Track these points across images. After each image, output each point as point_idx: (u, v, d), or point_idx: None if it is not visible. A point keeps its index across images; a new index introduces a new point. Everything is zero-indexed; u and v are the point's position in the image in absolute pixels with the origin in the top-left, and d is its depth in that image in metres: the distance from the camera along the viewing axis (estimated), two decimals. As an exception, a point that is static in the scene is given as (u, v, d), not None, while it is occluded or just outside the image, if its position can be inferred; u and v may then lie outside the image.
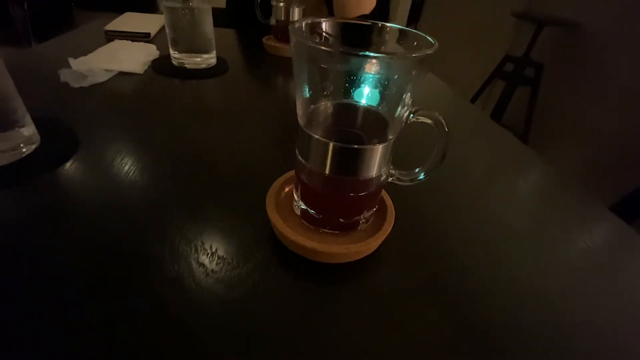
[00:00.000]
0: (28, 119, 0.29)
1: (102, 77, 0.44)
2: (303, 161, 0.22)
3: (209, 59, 0.53)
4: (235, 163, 0.34)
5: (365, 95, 0.20)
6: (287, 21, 0.63)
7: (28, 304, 0.19)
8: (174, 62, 0.53)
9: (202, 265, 0.22)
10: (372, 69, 0.18)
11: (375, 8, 0.75)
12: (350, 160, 0.21)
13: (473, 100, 2.06)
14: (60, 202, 0.26)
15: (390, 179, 0.24)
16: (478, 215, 0.30)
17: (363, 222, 0.25)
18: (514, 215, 0.31)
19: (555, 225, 0.31)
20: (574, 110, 1.65)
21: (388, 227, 0.24)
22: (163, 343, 0.17)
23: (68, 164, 0.30)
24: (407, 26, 0.21)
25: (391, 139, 0.21)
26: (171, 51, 0.52)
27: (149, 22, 0.68)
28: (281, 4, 0.62)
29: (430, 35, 0.19)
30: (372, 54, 0.17)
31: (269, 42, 0.66)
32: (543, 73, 1.76)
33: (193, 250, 0.23)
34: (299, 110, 0.22)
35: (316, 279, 0.22)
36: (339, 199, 0.23)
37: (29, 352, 0.17)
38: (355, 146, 0.20)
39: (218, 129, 0.40)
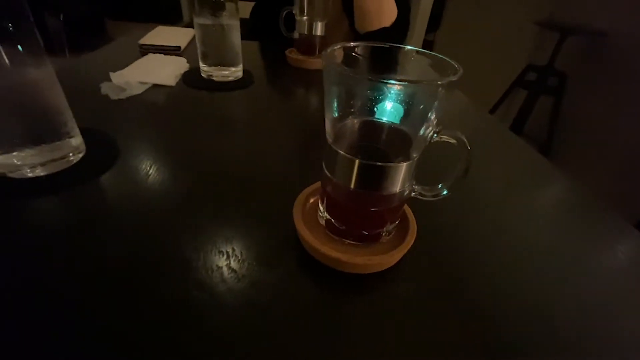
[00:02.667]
0: (76, 129, 0.32)
1: (138, 90, 0.48)
2: (329, 175, 0.24)
3: (236, 72, 0.56)
4: (262, 173, 0.35)
5: (391, 116, 0.21)
6: (310, 35, 0.65)
7: (71, 301, 0.21)
8: (203, 75, 0.55)
9: (233, 270, 0.23)
10: (398, 93, 0.20)
11: (395, 20, 0.76)
12: (374, 177, 0.22)
13: (493, 109, 2.03)
14: (102, 207, 0.28)
15: (412, 194, 0.25)
16: (498, 229, 0.31)
17: (385, 234, 0.26)
18: (534, 230, 0.31)
19: (576, 241, 0.31)
20: (599, 121, 1.60)
21: (410, 241, 0.25)
22: (193, 344, 0.19)
23: (110, 172, 0.32)
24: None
25: (415, 157, 0.22)
26: (201, 64, 0.55)
27: (179, 36, 0.72)
28: (304, 18, 0.64)
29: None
30: (398, 82, 0.18)
31: (292, 54, 0.68)
32: (567, 83, 1.72)
33: (224, 256, 0.25)
34: (328, 128, 0.23)
35: (338, 287, 0.23)
36: (362, 212, 0.24)
37: (68, 344, 0.18)
38: (380, 164, 0.21)
39: (245, 139, 0.42)
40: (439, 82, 0.18)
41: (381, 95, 0.20)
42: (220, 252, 0.25)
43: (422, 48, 0.22)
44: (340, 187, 0.23)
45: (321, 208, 0.26)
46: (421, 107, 0.20)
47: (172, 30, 0.76)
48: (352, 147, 0.23)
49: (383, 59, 0.23)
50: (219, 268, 0.23)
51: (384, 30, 0.75)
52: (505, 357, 0.20)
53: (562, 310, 0.24)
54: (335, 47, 0.21)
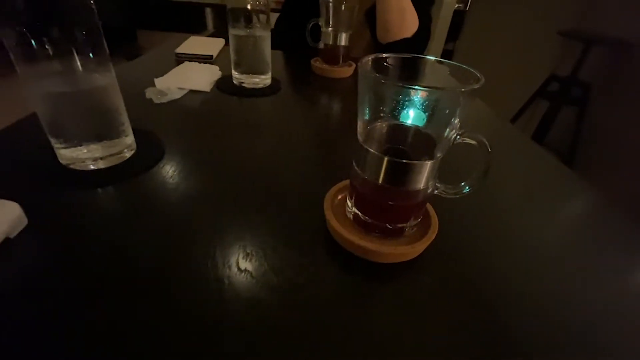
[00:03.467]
0: (130, 129, 0.36)
1: (177, 95, 0.52)
2: (359, 171, 0.26)
3: (265, 79, 0.59)
4: (290, 172, 0.38)
5: (418, 119, 0.24)
6: (335, 45, 0.68)
7: (114, 282, 0.24)
8: (235, 82, 0.59)
9: (264, 262, 0.26)
10: (424, 98, 0.22)
11: (417, 31, 0.78)
12: (401, 173, 0.25)
13: (514, 119, 2.00)
14: (149, 199, 0.32)
15: (435, 192, 0.27)
16: (517, 232, 0.32)
17: (409, 229, 0.28)
18: (552, 236, 0.33)
19: (597, 250, 0.32)
20: (624, 133, 1.56)
21: (432, 235, 0.27)
22: (221, 335, 0.22)
23: (156, 168, 0.36)
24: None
25: (439, 156, 0.24)
26: (233, 72, 0.59)
27: (210, 46, 0.77)
28: (330, 30, 0.67)
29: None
30: (425, 89, 0.21)
31: (317, 63, 0.72)
32: (591, 94, 1.69)
33: (258, 248, 0.27)
34: (359, 129, 0.26)
35: (365, 275, 0.25)
36: (389, 206, 0.27)
37: (101, 331, 0.21)
38: (407, 161, 0.24)
39: (273, 141, 0.45)
40: (462, 90, 0.20)
41: (409, 100, 0.22)
42: (253, 243, 0.28)
43: (442, 57, 0.25)
44: (369, 182, 0.26)
45: (349, 203, 0.29)
46: (446, 112, 0.22)
47: (204, 40, 0.81)
48: (380, 146, 0.25)
49: (410, 68, 0.26)
50: (252, 259, 0.26)
51: (405, 40, 0.77)
52: (510, 355, 0.21)
53: (577, 315, 0.25)
54: (369, 58, 0.24)
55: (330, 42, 0.68)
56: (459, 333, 0.22)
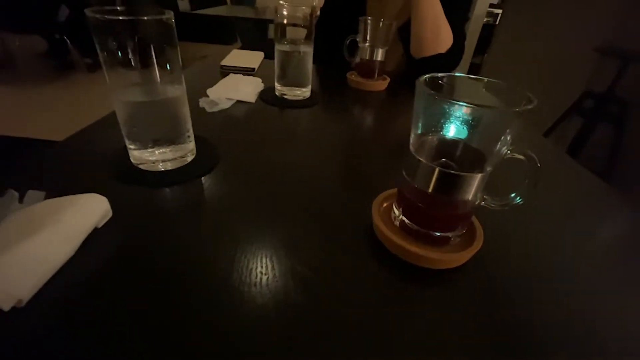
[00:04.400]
0: (192, 135, 0.39)
1: (226, 105, 0.56)
2: (409, 180, 0.28)
3: (305, 92, 0.63)
4: (330, 181, 0.41)
5: (469, 134, 0.26)
6: (371, 60, 0.71)
7: (171, 270, 0.27)
8: (277, 93, 0.63)
9: (313, 264, 0.28)
10: (477, 116, 0.24)
11: (451, 46, 0.80)
12: (451, 184, 0.26)
13: (546, 135, 1.95)
14: (205, 200, 0.35)
15: (482, 203, 0.28)
16: (557, 247, 0.33)
17: (454, 238, 0.29)
18: (590, 251, 0.33)
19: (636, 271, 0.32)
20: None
21: (478, 244, 0.28)
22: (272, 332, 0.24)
23: (212, 173, 0.39)
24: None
25: (489, 170, 0.26)
26: (276, 84, 0.62)
27: (252, 58, 0.82)
28: (367, 45, 0.70)
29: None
30: (480, 107, 0.22)
31: (352, 77, 0.75)
32: (629, 111, 1.63)
33: (304, 251, 0.30)
34: (412, 140, 0.28)
35: (410, 278, 0.27)
36: (437, 215, 0.28)
37: (145, 327, 0.24)
38: (458, 173, 0.26)
39: (313, 151, 0.48)
40: (517, 110, 0.22)
41: (462, 117, 0.24)
42: (300, 248, 0.30)
43: (469, 71, 0.27)
44: (419, 191, 0.28)
45: (396, 211, 0.31)
46: (497, 129, 0.24)
47: (246, 53, 0.86)
48: (431, 157, 0.27)
49: (463, 87, 0.28)
50: (302, 260, 0.28)
51: (439, 56, 0.79)
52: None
53: (612, 333, 0.25)
54: (425, 77, 0.26)
55: (367, 57, 0.71)
56: (497, 336, 0.23)
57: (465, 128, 0.25)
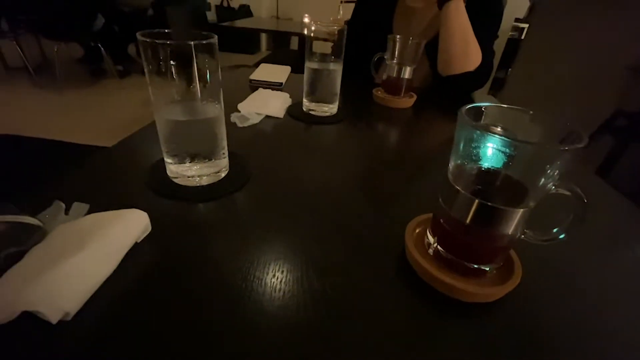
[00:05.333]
0: (227, 152, 0.40)
1: (256, 120, 0.57)
2: (446, 209, 0.28)
3: (332, 108, 0.63)
4: (357, 199, 0.41)
5: (511, 167, 0.25)
6: (398, 77, 0.71)
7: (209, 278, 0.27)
8: (304, 109, 0.64)
9: (340, 285, 0.28)
10: (522, 151, 0.23)
11: (479, 64, 0.79)
12: (491, 217, 0.26)
13: (572, 154, 1.88)
14: (238, 215, 0.36)
15: (522, 237, 0.27)
16: (601, 284, 0.32)
17: (490, 271, 0.29)
18: (636, 291, 0.31)
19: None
20: None
21: (516, 280, 0.27)
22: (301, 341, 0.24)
23: (245, 188, 0.40)
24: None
25: (532, 205, 0.25)
26: (304, 100, 0.63)
27: (279, 73, 0.83)
28: (394, 62, 0.70)
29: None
30: (527, 143, 0.22)
31: (378, 93, 0.75)
32: (666, 132, 1.55)
33: (334, 272, 0.29)
34: (451, 168, 0.27)
35: (438, 308, 0.27)
36: (474, 247, 0.28)
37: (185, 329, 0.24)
38: (499, 206, 0.25)
39: (340, 168, 0.48)
40: (566, 148, 0.22)
41: (506, 150, 0.24)
42: (326, 267, 0.30)
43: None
44: (456, 221, 0.27)
45: (431, 239, 0.30)
46: (543, 165, 0.24)
47: (273, 67, 0.88)
48: (470, 187, 0.27)
49: (507, 118, 0.27)
50: (331, 281, 0.28)
51: (467, 74, 0.78)
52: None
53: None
54: (467, 106, 0.26)
55: (394, 75, 0.71)
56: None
57: (507, 161, 0.25)
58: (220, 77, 0.36)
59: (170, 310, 0.25)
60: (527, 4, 3.43)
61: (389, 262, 0.31)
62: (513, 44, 2.73)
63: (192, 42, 0.31)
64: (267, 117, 0.60)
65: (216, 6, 4.02)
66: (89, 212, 0.32)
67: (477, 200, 0.26)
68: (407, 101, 0.73)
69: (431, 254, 0.30)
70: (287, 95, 0.69)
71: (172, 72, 0.33)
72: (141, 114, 2.46)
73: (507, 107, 0.27)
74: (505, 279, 0.28)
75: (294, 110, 0.64)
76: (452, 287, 0.27)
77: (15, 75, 2.99)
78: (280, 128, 0.58)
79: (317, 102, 0.62)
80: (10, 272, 0.24)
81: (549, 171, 0.23)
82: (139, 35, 0.31)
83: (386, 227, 0.36)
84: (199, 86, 0.34)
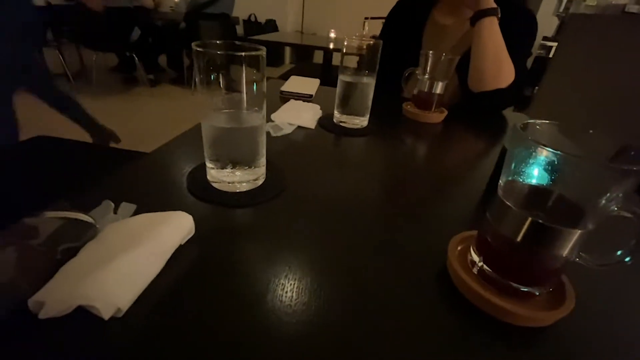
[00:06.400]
0: (265, 160, 0.41)
1: (289, 130, 0.58)
2: (495, 226, 0.27)
3: (363, 120, 0.64)
4: (394, 214, 0.40)
5: (567, 186, 0.24)
6: (430, 92, 0.71)
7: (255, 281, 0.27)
8: (335, 121, 0.65)
9: (379, 297, 0.28)
10: (581, 170, 0.23)
11: (512, 82, 0.78)
12: (545, 237, 0.25)
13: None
14: (274, 222, 0.36)
15: (577, 259, 0.26)
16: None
17: (539, 294, 0.27)
18: None
19: None
20: None
21: (570, 305, 0.26)
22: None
23: (281, 196, 0.40)
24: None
25: (590, 227, 0.24)
26: (335, 112, 0.64)
27: (309, 85, 0.85)
28: (426, 78, 0.70)
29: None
30: (591, 162, 0.21)
31: (408, 107, 0.75)
32: None
33: (372, 285, 0.29)
34: (501, 183, 0.27)
35: (479, 329, 0.26)
36: (523, 267, 0.27)
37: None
38: (556, 226, 0.24)
39: (373, 181, 0.48)
40: (634, 169, 0.21)
41: (563, 169, 0.23)
42: (364, 283, 0.29)
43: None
44: (505, 239, 0.26)
45: (476, 257, 0.29)
46: (603, 185, 0.23)
47: (303, 79, 0.90)
48: (520, 204, 0.26)
49: (561, 136, 0.26)
50: (371, 295, 0.28)
51: (499, 91, 0.77)
52: None
53: None
54: (521, 123, 0.25)
55: (426, 90, 0.71)
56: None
57: (563, 179, 0.24)
58: (264, 88, 0.37)
59: (205, 311, 0.25)
60: (556, 22, 3.39)
61: (428, 279, 0.30)
62: (541, 62, 2.69)
63: (242, 54, 0.32)
64: (299, 127, 0.61)
65: (244, 20, 4.18)
66: (136, 212, 0.33)
67: (530, 219, 0.25)
68: (437, 116, 0.72)
69: (475, 272, 0.29)
70: (318, 106, 0.70)
71: (221, 81, 0.34)
72: (169, 122, 2.55)
73: (562, 125, 0.26)
74: (556, 304, 0.26)
75: (325, 122, 0.65)
76: (500, 308, 0.26)
77: (56, 80, 3.18)
78: (312, 139, 0.59)
79: (349, 114, 0.63)
80: (67, 266, 0.25)
81: (611, 192, 0.22)
82: (194, 45, 0.32)
83: (423, 241, 0.35)
84: (245, 96, 0.35)
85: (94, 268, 0.24)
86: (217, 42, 0.34)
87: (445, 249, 0.31)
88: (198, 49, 0.32)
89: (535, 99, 2.63)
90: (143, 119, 2.60)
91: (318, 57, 3.62)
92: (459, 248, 0.32)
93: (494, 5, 0.74)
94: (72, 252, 0.26)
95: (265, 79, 0.36)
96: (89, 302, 0.22)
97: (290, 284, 0.28)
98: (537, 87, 2.69)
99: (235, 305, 0.26)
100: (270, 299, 0.26)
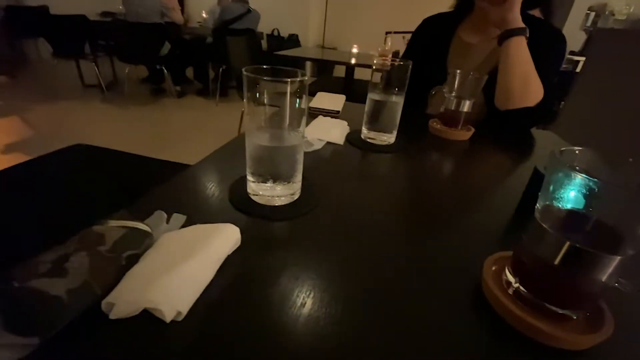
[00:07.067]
0: (301, 175, 0.43)
1: (319, 145, 0.60)
2: (532, 248, 0.28)
3: (390, 137, 0.65)
4: (421, 230, 0.41)
5: (607, 211, 0.25)
6: (457, 110, 0.72)
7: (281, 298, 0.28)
8: (362, 137, 0.67)
9: (412, 314, 0.29)
10: (623, 199, 0.23)
11: (541, 100, 0.77)
12: (583, 262, 0.25)
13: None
14: (310, 236, 0.38)
15: (616, 285, 0.27)
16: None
17: (576, 317, 0.28)
18: None
19: None
20: None
21: (609, 330, 0.26)
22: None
23: (314, 210, 0.42)
24: None
25: (630, 253, 0.24)
26: (363, 129, 0.66)
27: (336, 101, 0.88)
28: (453, 96, 0.72)
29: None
30: (631, 191, 0.22)
31: (434, 124, 0.76)
32: None
33: (404, 302, 0.30)
34: (539, 206, 0.28)
35: (517, 351, 0.26)
36: (561, 290, 0.27)
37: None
38: (594, 251, 0.25)
39: (402, 198, 0.49)
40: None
41: (603, 195, 0.24)
42: (395, 302, 0.30)
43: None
44: (542, 262, 0.27)
45: (511, 278, 0.30)
46: (645, 211, 0.23)
47: (329, 96, 0.93)
48: (558, 227, 0.27)
49: (600, 163, 0.27)
50: (403, 315, 0.29)
51: (527, 109, 0.77)
52: None
53: None
54: (562, 149, 0.26)
55: (452, 108, 0.72)
56: None
57: (601, 206, 0.25)
58: (306, 110, 0.39)
59: (246, 317, 0.27)
60: (584, 36, 3.32)
61: (460, 296, 0.31)
62: (567, 77, 2.63)
63: (288, 80, 0.35)
64: (328, 143, 0.63)
65: (267, 35, 4.32)
66: (186, 222, 0.35)
67: (568, 243, 0.25)
68: (464, 134, 0.73)
69: (511, 293, 0.30)
70: (345, 123, 0.72)
71: (266, 103, 0.36)
72: (194, 131, 2.65)
73: (601, 152, 0.27)
74: (594, 328, 0.27)
75: (353, 138, 0.67)
76: (537, 328, 0.26)
77: (90, 91, 3.38)
78: (341, 154, 0.61)
79: (377, 131, 0.65)
80: (132, 271, 0.27)
81: (652, 220, 0.23)
82: (244, 71, 0.35)
83: (452, 259, 0.36)
84: (287, 117, 0.37)
85: (157, 274, 0.26)
86: (264, 67, 0.37)
87: (476, 268, 0.32)
88: (247, 74, 0.35)
89: (561, 114, 2.57)
90: (169, 127, 2.72)
91: (338, 70, 3.69)
92: (493, 268, 0.33)
93: (522, 25, 0.75)
94: (135, 259, 0.29)
95: (306, 102, 0.39)
96: (155, 305, 0.24)
97: (321, 296, 0.29)
98: (563, 102, 2.63)
99: (274, 313, 0.27)
100: (304, 309, 0.28)
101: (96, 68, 3.20)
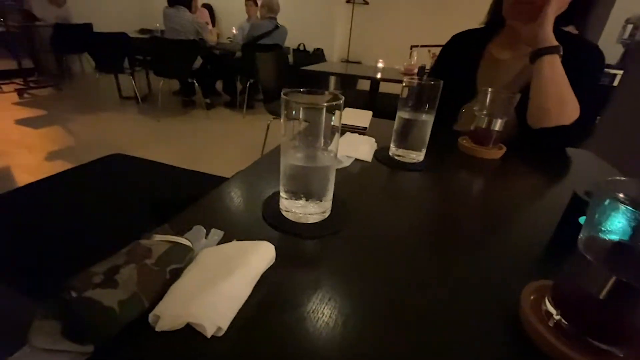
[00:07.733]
0: (332, 194, 0.44)
1: (347, 162, 0.61)
2: (575, 281, 0.27)
3: (419, 155, 0.65)
4: (451, 252, 0.40)
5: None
6: (488, 129, 0.71)
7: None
8: (390, 154, 0.67)
9: (448, 342, 0.28)
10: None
11: (577, 119, 0.74)
12: (630, 298, 0.24)
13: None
14: (341, 255, 0.38)
15: (669, 323, 0.25)
16: None
17: (623, 355, 0.26)
18: None
19: None
20: None
21: (662, 370, 0.25)
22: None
23: (344, 229, 0.43)
24: None
25: (686, 291, 0.23)
26: (392, 146, 0.66)
27: (363, 117, 0.89)
28: (484, 114, 0.71)
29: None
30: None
31: (464, 142, 0.75)
32: None
33: (436, 330, 0.30)
34: (582, 237, 0.27)
35: None
36: (606, 326, 0.26)
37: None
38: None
39: (433, 217, 0.49)
40: None
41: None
42: (426, 327, 0.30)
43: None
44: (587, 295, 0.26)
45: (552, 310, 0.29)
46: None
47: (356, 112, 0.94)
48: (602, 260, 0.26)
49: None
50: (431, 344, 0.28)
51: (562, 128, 0.74)
52: None
53: None
54: (605, 180, 0.26)
55: (484, 126, 0.71)
56: None
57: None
58: (339, 132, 0.40)
59: (278, 334, 0.27)
60: (620, 49, 3.17)
61: (498, 325, 0.30)
62: (603, 91, 2.51)
63: (324, 104, 0.36)
64: (356, 160, 0.64)
65: (293, 50, 4.44)
66: (224, 237, 0.37)
67: (615, 277, 0.25)
68: (496, 152, 0.72)
69: (551, 325, 0.29)
70: (373, 139, 0.73)
71: (302, 124, 0.38)
72: (222, 141, 2.74)
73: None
74: (644, 368, 0.25)
75: (381, 155, 0.67)
76: (583, 367, 0.25)
77: (127, 102, 3.59)
78: (369, 172, 0.62)
79: (406, 149, 0.65)
80: (176, 285, 0.29)
81: None
82: (282, 94, 0.37)
83: (486, 286, 0.35)
84: (322, 138, 0.39)
85: (199, 290, 0.28)
86: (301, 89, 0.38)
87: (508, 294, 0.32)
88: (285, 97, 0.37)
89: (597, 131, 2.45)
90: (199, 138, 2.83)
91: (361, 84, 3.72)
92: (532, 297, 0.32)
93: (555, 43, 0.73)
94: (178, 273, 0.31)
95: (340, 124, 0.40)
96: (198, 320, 0.26)
97: (352, 318, 0.29)
98: (599, 117, 2.51)
99: (308, 334, 0.28)
100: (336, 331, 0.28)
101: (133, 81, 3.41)
